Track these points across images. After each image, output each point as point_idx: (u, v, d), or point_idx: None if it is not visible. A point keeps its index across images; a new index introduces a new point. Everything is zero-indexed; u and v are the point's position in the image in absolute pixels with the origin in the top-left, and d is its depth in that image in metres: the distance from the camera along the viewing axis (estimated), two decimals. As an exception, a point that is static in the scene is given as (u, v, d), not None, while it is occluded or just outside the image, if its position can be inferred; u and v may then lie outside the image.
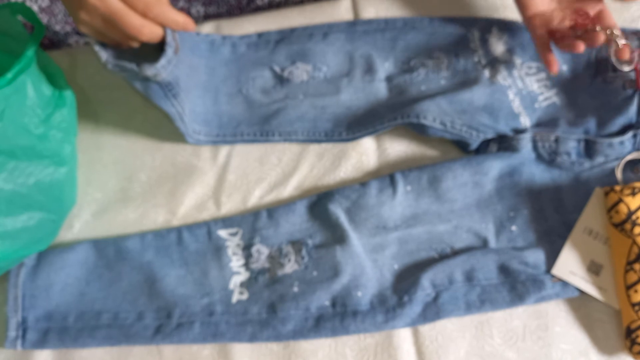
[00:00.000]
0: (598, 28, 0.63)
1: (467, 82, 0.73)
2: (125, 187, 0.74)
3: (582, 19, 0.64)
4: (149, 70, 0.59)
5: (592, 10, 0.65)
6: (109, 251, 0.69)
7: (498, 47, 0.74)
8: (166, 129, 0.75)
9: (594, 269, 0.64)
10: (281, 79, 0.76)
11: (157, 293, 0.67)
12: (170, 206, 0.73)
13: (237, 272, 0.68)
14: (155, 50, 0.62)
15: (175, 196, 0.73)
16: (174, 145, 0.75)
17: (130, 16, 0.56)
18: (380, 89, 0.75)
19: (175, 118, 0.67)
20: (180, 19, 0.58)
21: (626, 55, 0.64)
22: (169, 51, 0.59)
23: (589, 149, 0.67)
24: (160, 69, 0.59)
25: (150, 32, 0.57)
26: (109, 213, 0.73)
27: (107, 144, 0.76)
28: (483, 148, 0.71)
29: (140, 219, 0.72)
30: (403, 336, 0.66)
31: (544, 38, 0.66)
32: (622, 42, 0.63)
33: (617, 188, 0.63)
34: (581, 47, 0.63)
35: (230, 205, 0.72)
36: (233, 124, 0.74)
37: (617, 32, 0.63)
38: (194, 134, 0.72)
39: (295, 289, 0.66)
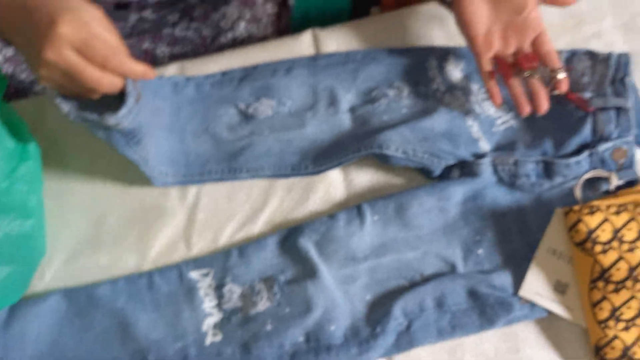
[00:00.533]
0: (537, 73, 0.67)
1: (427, 109, 0.74)
2: (95, 232, 0.74)
3: (529, 64, 0.67)
4: (111, 120, 0.60)
5: (532, 34, 0.68)
6: (81, 299, 0.69)
7: (455, 73, 0.76)
8: (134, 172, 0.75)
9: (560, 289, 0.65)
10: (246, 116, 0.77)
11: (131, 339, 0.67)
12: (140, 249, 0.73)
13: (210, 313, 0.68)
14: (117, 98, 0.63)
15: (146, 239, 0.73)
16: (143, 187, 0.76)
17: (89, 69, 0.57)
18: (344, 121, 0.76)
19: (139, 164, 0.68)
20: (139, 68, 0.59)
21: (564, 87, 0.67)
22: (130, 100, 0.60)
23: (548, 170, 0.69)
24: (122, 119, 0.60)
25: (109, 83, 0.58)
26: (80, 260, 0.73)
27: (75, 189, 0.76)
28: (446, 174, 0.72)
29: (112, 264, 0.72)
30: (377, 366, 0.66)
31: (488, 66, 0.69)
32: (562, 76, 0.67)
33: (576, 208, 0.64)
34: (526, 111, 0.68)
35: (201, 245, 0.73)
36: (200, 163, 0.75)
37: (560, 74, 0.67)
38: (160, 176, 0.73)
39: (269, 327, 0.66)
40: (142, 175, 0.73)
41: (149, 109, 0.69)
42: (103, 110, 0.61)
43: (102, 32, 0.57)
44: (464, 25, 0.69)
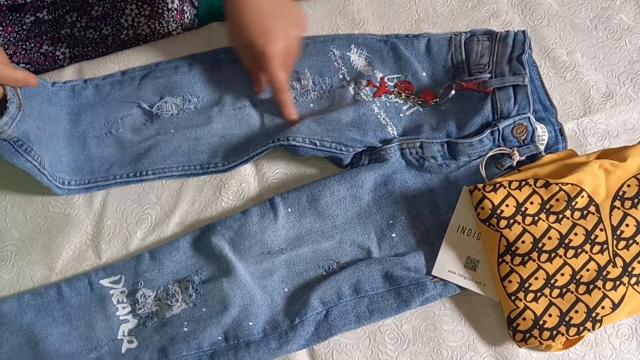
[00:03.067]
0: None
1: (334, 102, 0.74)
2: (-3, 247, 0.71)
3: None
4: None
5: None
6: (-15, 319, 0.66)
7: (359, 62, 0.76)
8: (35, 182, 0.72)
9: (470, 265, 0.67)
10: (151, 115, 0.75)
11: (41, 355, 0.64)
12: (47, 261, 0.70)
13: (125, 320, 0.66)
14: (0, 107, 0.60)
15: (52, 250, 0.70)
16: (45, 197, 0.72)
17: None
18: (251, 115, 0.75)
19: (33, 172, 0.65)
20: (19, 75, 0.57)
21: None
22: (11, 108, 0.58)
23: (452, 150, 0.70)
24: (4, 126, 0.58)
25: None
26: (-18, 277, 0.69)
27: (-27, 205, 0.73)
28: (356, 162, 0.72)
29: (16, 279, 0.69)
30: (299, 358, 0.66)
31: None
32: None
33: (480, 186, 0.66)
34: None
35: (111, 252, 0.70)
36: (105, 167, 0.72)
37: None
38: (62, 185, 0.70)
39: (185, 329, 0.65)
40: (44, 185, 0.70)
41: (39, 116, 0.66)
42: None
43: None
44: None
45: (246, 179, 0.74)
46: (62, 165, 0.70)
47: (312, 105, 0.74)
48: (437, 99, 0.73)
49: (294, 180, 0.74)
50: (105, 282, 0.68)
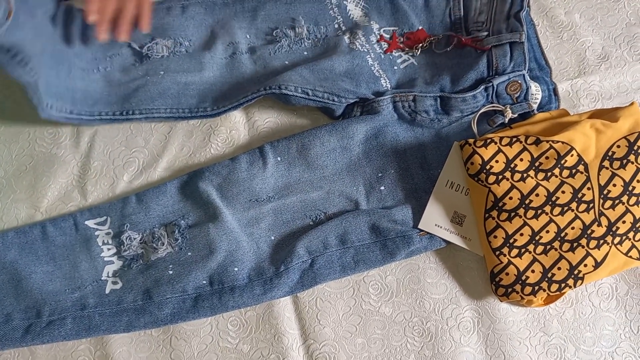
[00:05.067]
0: None
1: (327, 50, 0.73)
2: (-19, 185, 0.70)
3: None
4: None
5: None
6: (-32, 254, 0.65)
7: (356, 12, 0.74)
8: (21, 119, 0.71)
9: (457, 220, 0.67)
10: (140, 56, 0.73)
11: (24, 292, 0.64)
12: (32, 200, 0.69)
13: (110, 261, 0.66)
14: None
15: (37, 189, 0.69)
16: (31, 135, 0.71)
17: None
18: (243, 62, 0.73)
19: (28, 88, 0.62)
20: None
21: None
22: None
23: (445, 105, 0.69)
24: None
25: None
26: (-34, 214, 0.69)
27: (-43, 141, 0.71)
28: (348, 113, 0.71)
29: (0, 216, 0.68)
30: (283, 305, 0.66)
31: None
32: None
33: (471, 141, 0.66)
34: None
35: (97, 194, 0.70)
36: (88, 103, 0.71)
37: None
38: (46, 108, 0.67)
39: (170, 272, 0.65)
40: (30, 123, 0.69)
41: (37, 31, 0.63)
42: None
43: None
44: None
45: (236, 127, 0.73)
46: (47, 86, 0.68)
47: (305, 53, 0.73)
48: (433, 39, 0.72)
49: (285, 130, 0.73)
50: (90, 223, 0.67)
